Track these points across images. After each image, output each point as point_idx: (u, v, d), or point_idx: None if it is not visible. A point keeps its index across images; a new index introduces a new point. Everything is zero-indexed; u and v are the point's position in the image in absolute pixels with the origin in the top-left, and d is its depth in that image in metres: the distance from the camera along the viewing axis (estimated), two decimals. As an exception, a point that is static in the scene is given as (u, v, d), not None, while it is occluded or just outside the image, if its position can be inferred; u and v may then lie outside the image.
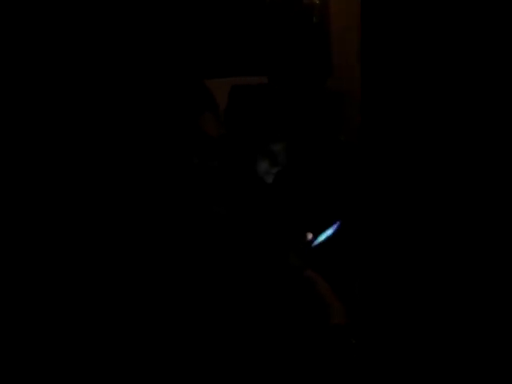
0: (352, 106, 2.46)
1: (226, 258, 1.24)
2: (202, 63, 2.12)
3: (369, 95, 2.38)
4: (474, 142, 2.05)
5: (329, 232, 1.73)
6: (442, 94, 2.13)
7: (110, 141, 1.41)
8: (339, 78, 2.55)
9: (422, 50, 2.18)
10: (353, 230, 1.83)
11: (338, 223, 1.73)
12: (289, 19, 2.53)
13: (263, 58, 2.39)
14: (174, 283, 1.18)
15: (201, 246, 1.21)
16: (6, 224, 1.50)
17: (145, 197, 1.24)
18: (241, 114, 1.61)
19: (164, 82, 1.32)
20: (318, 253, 1.69)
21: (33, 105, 1.69)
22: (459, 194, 2.08)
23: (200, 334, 1.16)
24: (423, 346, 1.65)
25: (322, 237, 1.73)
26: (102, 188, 1.34)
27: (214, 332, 1.17)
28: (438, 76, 2.15)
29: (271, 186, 1.67)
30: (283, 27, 2.51)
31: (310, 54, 2.53)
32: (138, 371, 1.14)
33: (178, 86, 1.31)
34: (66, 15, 1.79)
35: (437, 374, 1.60)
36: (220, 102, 1.49)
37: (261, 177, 1.62)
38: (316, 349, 1.22)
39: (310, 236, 1.74)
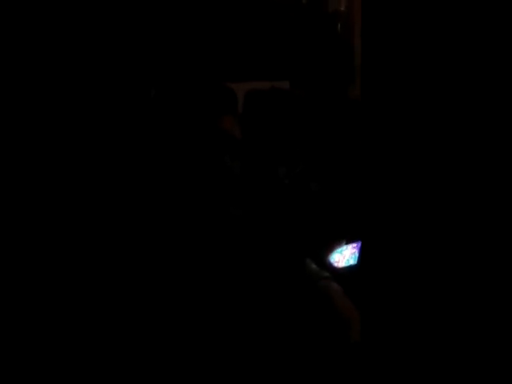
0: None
1: (239, 260, 1.21)
2: (223, 67, 2.12)
3: (369, 101, 2.41)
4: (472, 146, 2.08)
5: (352, 260, 1.71)
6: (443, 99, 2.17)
7: (131, 141, 1.42)
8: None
9: (423, 56, 2.21)
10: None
11: (358, 244, 1.71)
12: (314, 27, 2.52)
13: (285, 64, 2.38)
14: (189, 285, 1.16)
15: (216, 248, 1.19)
16: (6, 223, 1.51)
17: (161, 198, 1.23)
18: (260, 119, 1.59)
19: (185, 83, 1.32)
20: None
21: (44, 105, 1.70)
22: (458, 194, 2.11)
23: (212, 340, 1.14)
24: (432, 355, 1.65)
25: (340, 255, 1.73)
26: (121, 188, 1.33)
27: (225, 340, 1.15)
28: (442, 82, 2.18)
29: (291, 190, 1.64)
30: (308, 34, 2.51)
31: (333, 61, 2.52)
32: (138, 371, 1.13)
33: (199, 86, 1.30)
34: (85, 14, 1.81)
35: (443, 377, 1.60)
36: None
37: (280, 179, 1.60)
38: (331, 363, 1.19)
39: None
